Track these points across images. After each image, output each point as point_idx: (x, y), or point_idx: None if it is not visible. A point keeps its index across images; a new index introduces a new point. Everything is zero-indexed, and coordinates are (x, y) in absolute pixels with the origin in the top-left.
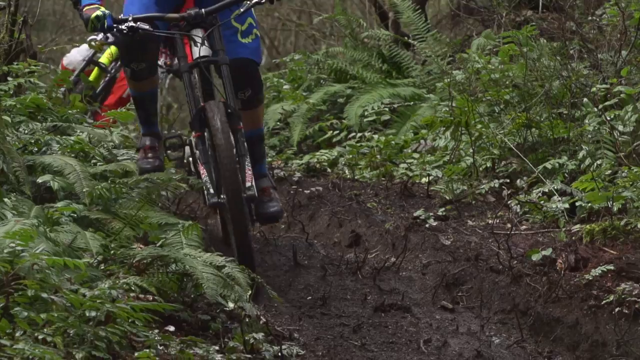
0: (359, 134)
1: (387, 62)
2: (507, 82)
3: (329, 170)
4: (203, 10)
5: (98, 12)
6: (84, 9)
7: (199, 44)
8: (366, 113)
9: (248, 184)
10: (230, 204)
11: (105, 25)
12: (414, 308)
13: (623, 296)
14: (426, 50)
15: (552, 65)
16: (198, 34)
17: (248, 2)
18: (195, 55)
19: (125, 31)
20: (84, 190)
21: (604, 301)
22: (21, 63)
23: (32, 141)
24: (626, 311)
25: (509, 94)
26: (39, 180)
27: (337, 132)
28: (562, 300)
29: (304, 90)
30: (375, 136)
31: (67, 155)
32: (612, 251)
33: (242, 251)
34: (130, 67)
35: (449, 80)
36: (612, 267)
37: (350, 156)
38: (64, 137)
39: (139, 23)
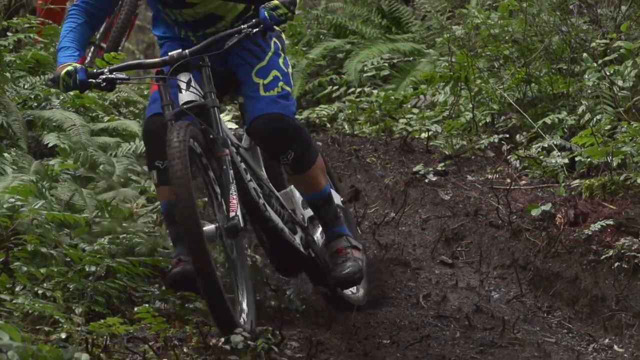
0: (359, 89)
1: (386, 17)
2: (507, 38)
3: (328, 125)
4: (187, 51)
5: (69, 68)
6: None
7: (183, 90)
8: (366, 68)
9: (232, 214)
10: (187, 239)
11: (78, 80)
12: (413, 263)
13: (622, 251)
14: (426, 5)
15: (552, 21)
16: (183, 78)
17: (237, 36)
18: (181, 101)
19: (102, 84)
20: (80, 156)
21: (603, 256)
22: (20, 18)
23: (32, 96)
24: (625, 266)
25: (508, 49)
26: (45, 141)
27: (337, 87)
28: (561, 255)
29: (304, 46)
30: (375, 91)
31: (67, 110)
32: (611, 206)
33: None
34: (155, 167)
35: (448, 35)
36: (611, 222)
37: (350, 111)
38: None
39: (115, 73)
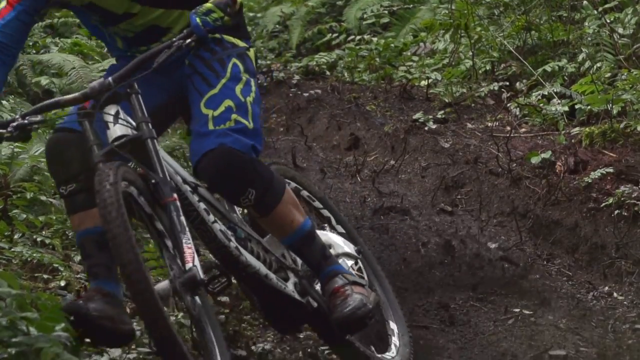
0: (358, 37)
1: None
2: None
3: (328, 73)
4: (110, 79)
5: None
6: None
7: (110, 124)
8: (365, 16)
9: (188, 265)
10: (137, 302)
11: None
12: (413, 211)
13: (622, 199)
14: None
15: None
16: (110, 111)
17: (167, 51)
18: (111, 138)
19: (14, 134)
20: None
21: (603, 204)
22: None
23: (30, 43)
24: (625, 214)
25: None
26: (33, 80)
27: (336, 35)
28: (561, 203)
29: None
30: (375, 39)
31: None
32: (611, 154)
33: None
34: (60, 193)
35: None
36: (611, 170)
37: (350, 59)
38: (62, 39)
39: (28, 118)
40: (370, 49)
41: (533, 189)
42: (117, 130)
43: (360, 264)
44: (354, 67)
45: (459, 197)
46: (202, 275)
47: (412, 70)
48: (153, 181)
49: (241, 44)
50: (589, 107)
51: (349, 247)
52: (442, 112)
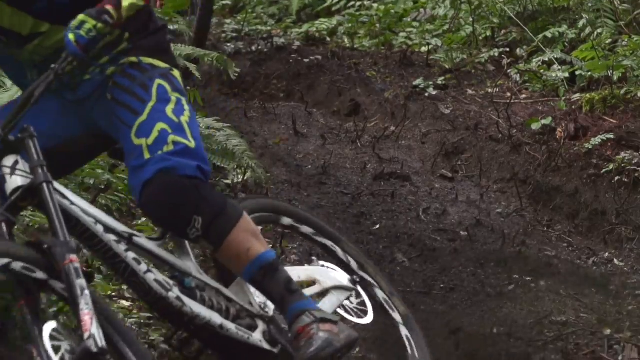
0: (359, 3)
1: None
2: None
3: (328, 39)
4: None
5: None
6: None
7: (8, 176)
8: None
9: (86, 334)
10: None
11: None
12: (414, 177)
13: (623, 165)
14: None
15: None
16: (7, 162)
17: (45, 81)
18: (9, 191)
19: None
20: None
21: (604, 170)
22: None
23: None
24: (626, 180)
25: None
26: None
27: (337, 1)
28: (561, 169)
29: None
30: (375, 5)
31: None
32: (611, 120)
33: None
34: None
35: None
36: (611, 136)
37: (350, 25)
38: None
39: None
40: (371, 15)
41: (533, 155)
42: (15, 181)
43: (363, 293)
44: (354, 33)
45: (459, 163)
46: (100, 344)
47: (413, 37)
48: (45, 246)
49: (162, 65)
50: (589, 73)
51: (343, 279)
52: (443, 78)
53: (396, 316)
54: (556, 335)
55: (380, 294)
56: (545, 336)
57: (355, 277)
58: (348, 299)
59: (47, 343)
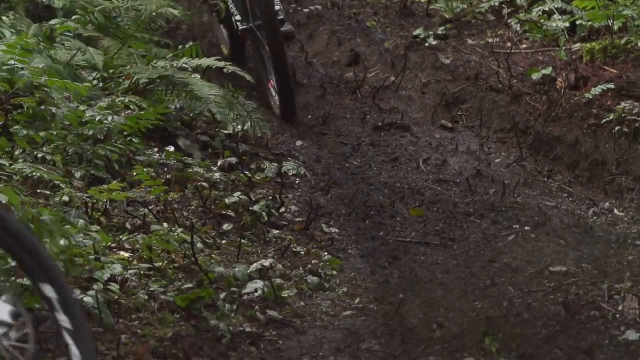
0: None
1: None
2: None
3: None
4: None
5: None
6: None
7: None
8: None
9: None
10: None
11: None
12: (414, 127)
13: (623, 115)
14: None
15: None
16: None
17: None
18: None
19: None
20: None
21: (604, 120)
22: None
23: None
24: (626, 130)
25: None
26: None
27: None
28: (561, 119)
29: None
30: None
31: None
32: (612, 70)
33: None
34: None
35: None
36: (612, 86)
37: None
38: None
39: None
40: None
41: (533, 105)
42: None
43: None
44: None
45: (459, 113)
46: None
47: None
48: None
49: None
50: (589, 22)
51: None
52: (443, 28)
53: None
54: (556, 286)
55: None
56: (545, 286)
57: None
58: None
59: None
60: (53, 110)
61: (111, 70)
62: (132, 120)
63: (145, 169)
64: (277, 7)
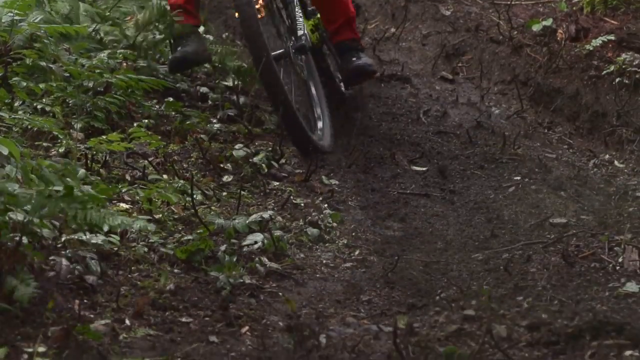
0: None
1: None
2: None
3: None
4: None
5: None
6: None
7: None
8: None
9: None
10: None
11: None
12: (414, 79)
13: (623, 66)
14: None
15: None
16: None
17: None
18: None
19: None
20: None
21: (605, 71)
22: None
23: None
24: (626, 81)
25: None
26: None
27: None
28: (562, 71)
29: None
30: None
31: None
32: (612, 21)
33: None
34: None
35: None
36: (612, 37)
37: None
38: None
39: None
40: None
41: (534, 57)
42: None
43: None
44: None
45: (459, 65)
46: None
47: None
48: None
49: None
50: None
51: None
52: None
53: None
54: (556, 237)
55: None
56: (545, 238)
57: None
58: None
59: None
60: (53, 62)
61: (109, 23)
62: (134, 81)
63: (145, 121)
64: (300, 32)
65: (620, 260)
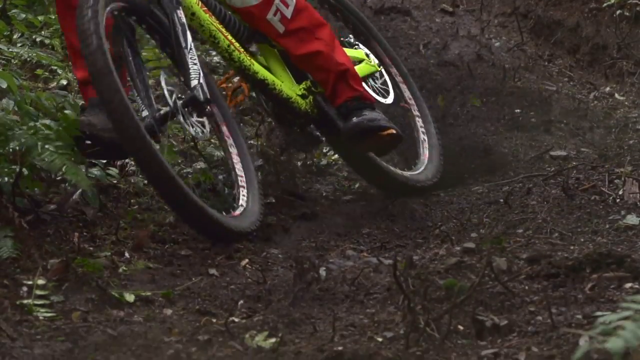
0: None
1: None
2: None
3: None
4: None
5: None
6: None
7: None
8: None
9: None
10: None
11: None
12: (414, 11)
13: None
14: None
15: None
16: None
17: None
18: None
19: None
20: None
21: (605, 4)
22: None
23: None
24: (627, 14)
25: None
26: None
27: None
28: (563, 3)
29: None
30: None
31: None
32: None
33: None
34: None
35: None
36: None
37: None
38: None
39: None
40: None
41: None
42: None
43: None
44: None
45: None
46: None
47: None
48: None
49: None
50: None
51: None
52: None
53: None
54: (557, 170)
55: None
56: (545, 171)
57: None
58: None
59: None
60: None
61: None
62: None
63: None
64: (193, 82)
65: (620, 192)
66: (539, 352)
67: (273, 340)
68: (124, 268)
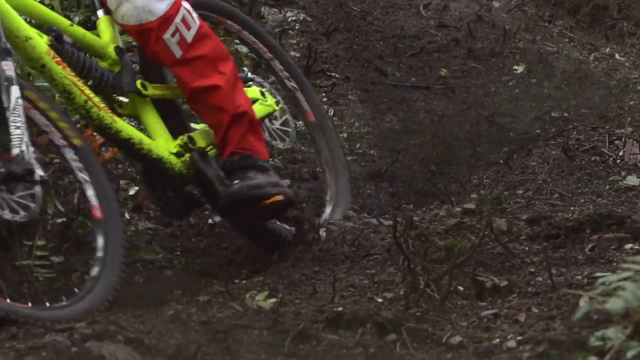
0: None
1: None
2: None
3: None
4: None
5: None
6: None
7: None
8: None
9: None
10: None
11: None
12: None
13: None
14: None
15: None
16: None
17: None
18: None
19: None
20: None
21: None
22: None
23: None
24: None
25: None
26: None
27: None
28: None
29: None
30: None
31: None
32: None
33: None
34: None
35: None
36: None
37: None
38: None
39: None
40: None
41: None
42: None
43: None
44: None
45: None
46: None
47: None
48: None
49: None
50: None
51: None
52: None
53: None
54: (557, 131)
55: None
56: (546, 132)
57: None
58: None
59: None
60: None
61: None
62: None
63: None
64: (15, 150)
65: (620, 153)
66: (538, 313)
67: (273, 300)
68: (124, 229)
